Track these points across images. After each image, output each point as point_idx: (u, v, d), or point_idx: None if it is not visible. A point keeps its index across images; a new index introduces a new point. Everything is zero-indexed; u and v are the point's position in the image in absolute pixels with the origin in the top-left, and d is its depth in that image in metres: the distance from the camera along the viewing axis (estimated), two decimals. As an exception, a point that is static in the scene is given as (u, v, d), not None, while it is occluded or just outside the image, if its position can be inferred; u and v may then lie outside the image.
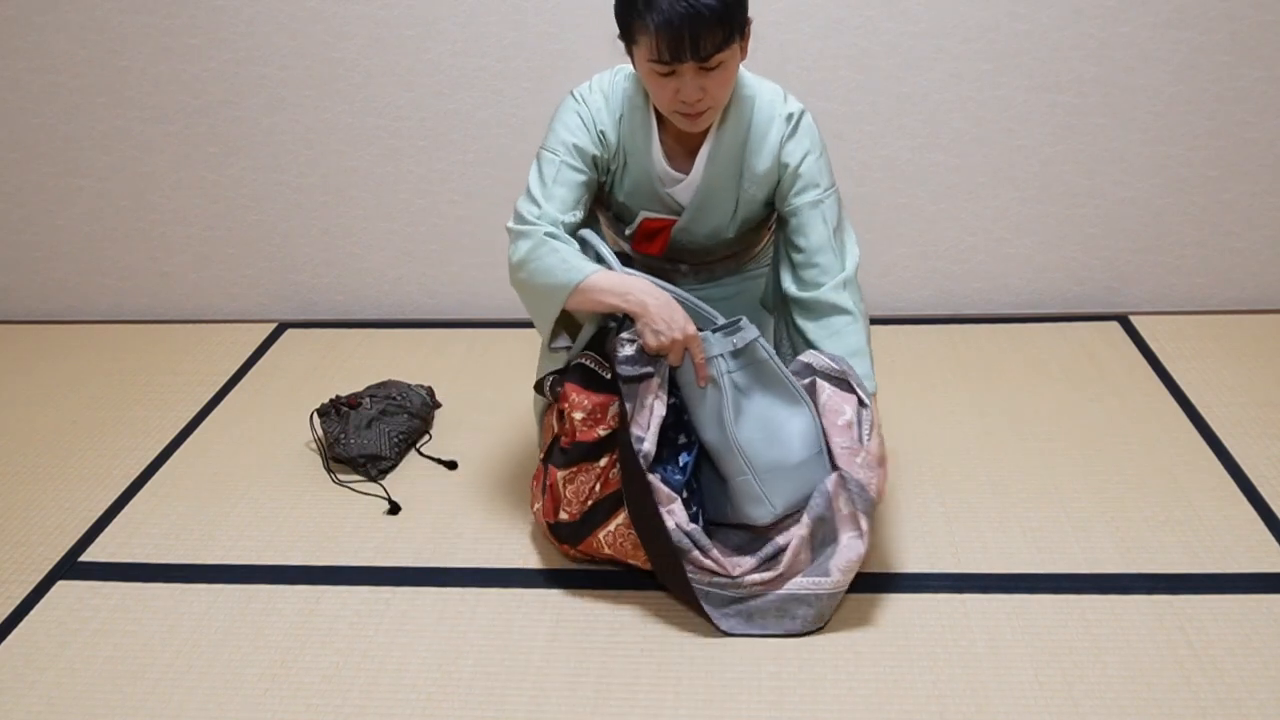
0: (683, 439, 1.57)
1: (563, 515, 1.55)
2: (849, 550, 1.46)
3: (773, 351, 1.53)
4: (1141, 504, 1.73)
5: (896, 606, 1.54)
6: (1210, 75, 2.12)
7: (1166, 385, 2.07)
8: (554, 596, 1.60)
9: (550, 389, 1.60)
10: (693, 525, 1.48)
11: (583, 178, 1.56)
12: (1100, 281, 2.38)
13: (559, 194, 1.55)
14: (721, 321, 1.54)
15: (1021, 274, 2.38)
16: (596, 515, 1.54)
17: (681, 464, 1.55)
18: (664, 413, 1.49)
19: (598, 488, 1.52)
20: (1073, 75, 2.14)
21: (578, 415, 1.52)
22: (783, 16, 2.12)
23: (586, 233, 1.55)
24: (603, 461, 1.53)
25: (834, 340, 1.59)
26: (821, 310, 1.60)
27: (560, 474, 1.54)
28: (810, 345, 1.61)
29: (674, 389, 1.54)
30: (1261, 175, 2.22)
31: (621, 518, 1.53)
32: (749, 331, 1.51)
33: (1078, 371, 2.14)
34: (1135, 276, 2.36)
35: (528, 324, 2.54)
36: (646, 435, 1.48)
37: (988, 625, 1.50)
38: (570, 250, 1.51)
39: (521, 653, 1.49)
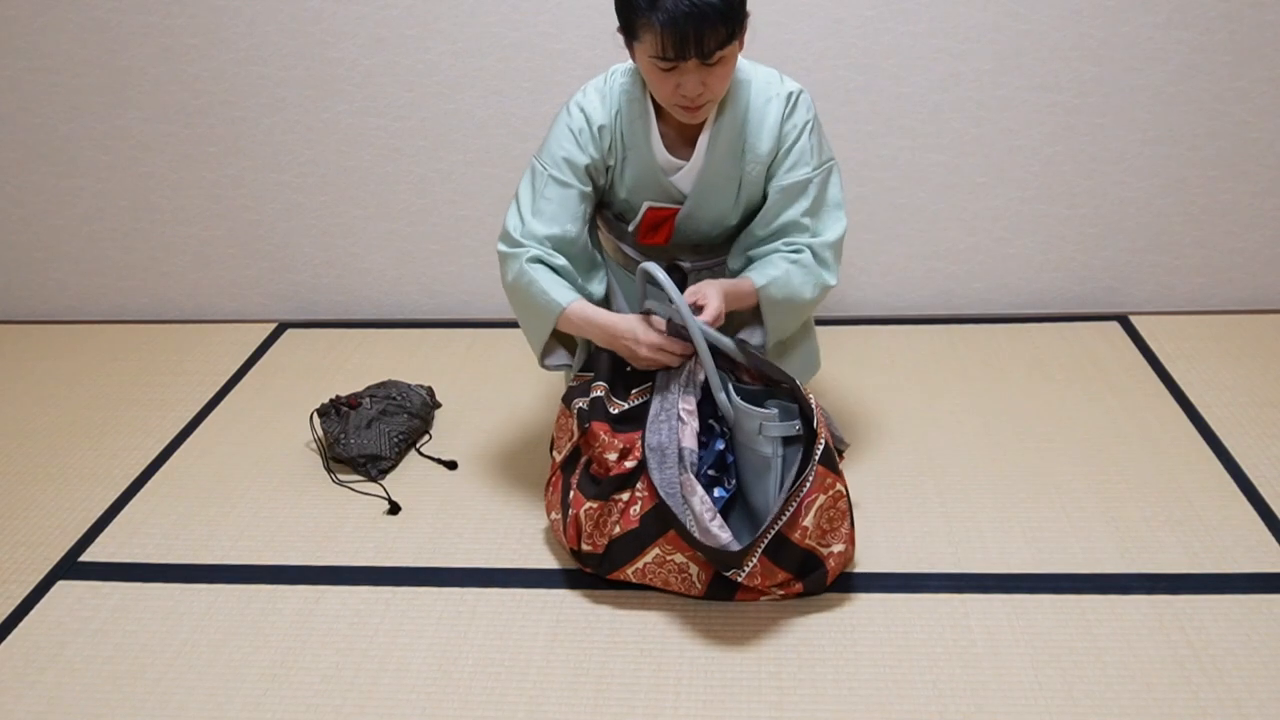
0: (718, 490, 1.57)
1: (585, 546, 1.55)
2: None
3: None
4: (1141, 504, 1.73)
5: (896, 606, 1.54)
6: (1210, 75, 2.12)
7: (1166, 385, 2.07)
8: (554, 596, 1.60)
9: (577, 419, 1.59)
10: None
11: (572, 191, 1.60)
12: (1100, 281, 2.38)
13: (546, 209, 1.59)
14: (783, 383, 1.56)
15: (1021, 274, 2.38)
16: (620, 553, 1.53)
17: (715, 495, 1.57)
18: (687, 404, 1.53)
19: (618, 528, 1.52)
20: (1073, 75, 2.14)
21: (611, 456, 1.53)
22: (783, 16, 2.12)
23: (651, 266, 1.53)
24: (625, 495, 1.52)
25: (756, 268, 1.62)
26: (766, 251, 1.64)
27: (586, 505, 1.54)
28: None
29: (730, 445, 1.57)
30: (1261, 175, 2.22)
31: (650, 556, 1.52)
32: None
33: (1078, 371, 2.14)
34: (1135, 276, 2.36)
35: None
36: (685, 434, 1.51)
37: (988, 625, 1.50)
38: (550, 278, 1.57)
39: (521, 653, 1.49)
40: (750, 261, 1.66)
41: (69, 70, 2.31)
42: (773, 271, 1.60)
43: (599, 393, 1.58)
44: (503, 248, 1.61)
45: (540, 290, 1.57)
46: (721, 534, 1.45)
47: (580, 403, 1.59)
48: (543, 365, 1.69)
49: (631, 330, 1.55)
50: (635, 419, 1.57)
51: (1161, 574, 1.58)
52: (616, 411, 1.58)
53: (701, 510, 1.45)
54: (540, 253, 1.57)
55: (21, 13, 2.25)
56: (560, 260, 1.59)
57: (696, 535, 1.45)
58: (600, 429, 1.54)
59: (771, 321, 1.63)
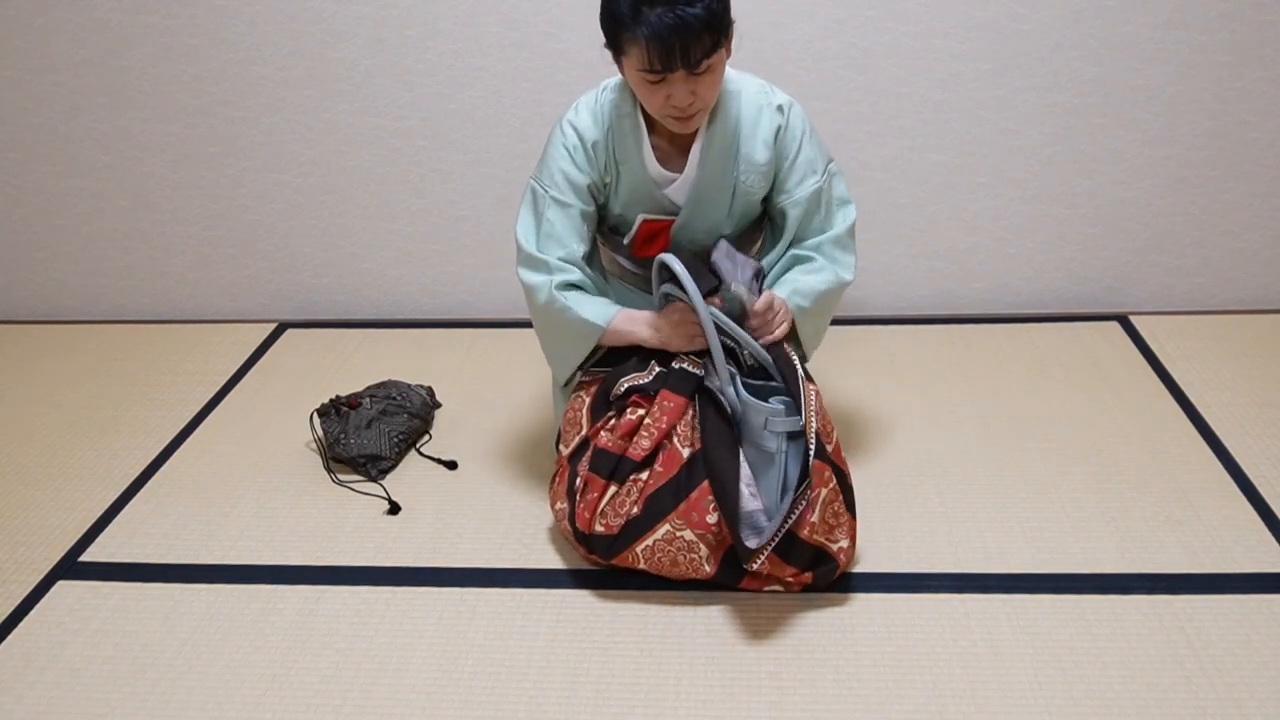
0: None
1: (599, 528, 1.55)
2: None
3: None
4: (1141, 504, 1.73)
5: (896, 606, 1.54)
6: (1210, 75, 2.12)
7: (1166, 385, 2.07)
8: (554, 596, 1.60)
9: (615, 398, 1.60)
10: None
11: (574, 210, 1.60)
12: (1100, 281, 2.38)
13: (552, 233, 1.60)
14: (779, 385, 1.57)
15: (1021, 274, 2.38)
16: (631, 532, 1.54)
17: None
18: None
19: (635, 509, 1.53)
20: (1073, 75, 2.14)
21: (662, 422, 1.55)
22: (783, 16, 2.12)
23: (668, 258, 1.54)
24: (645, 475, 1.54)
25: (781, 284, 1.63)
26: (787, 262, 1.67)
27: (610, 489, 1.55)
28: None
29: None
30: (1261, 175, 2.22)
31: (660, 532, 1.52)
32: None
33: (1078, 371, 2.14)
34: (1135, 276, 2.36)
35: (527, 323, 2.54)
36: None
37: (988, 625, 1.50)
38: (581, 299, 1.59)
39: (521, 653, 1.49)
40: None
41: (69, 70, 2.31)
42: (791, 290, 1.61)
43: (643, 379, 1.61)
44: (526, 277, 1.61)
45: (575, 316, 1.58)
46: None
47: (629, 382, 1.61)
48: (565, 385, 1.71)
49: (668, 321, 1.58)
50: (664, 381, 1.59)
51: (1161, 574, 1.58)
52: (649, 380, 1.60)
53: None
54: (565, 276, 1.59)
55: (21, 13, 2.25)
56: (578, 275, 1.60)
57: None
58: (665, 394, 1.57)
59: (805, 332, 1.65)
